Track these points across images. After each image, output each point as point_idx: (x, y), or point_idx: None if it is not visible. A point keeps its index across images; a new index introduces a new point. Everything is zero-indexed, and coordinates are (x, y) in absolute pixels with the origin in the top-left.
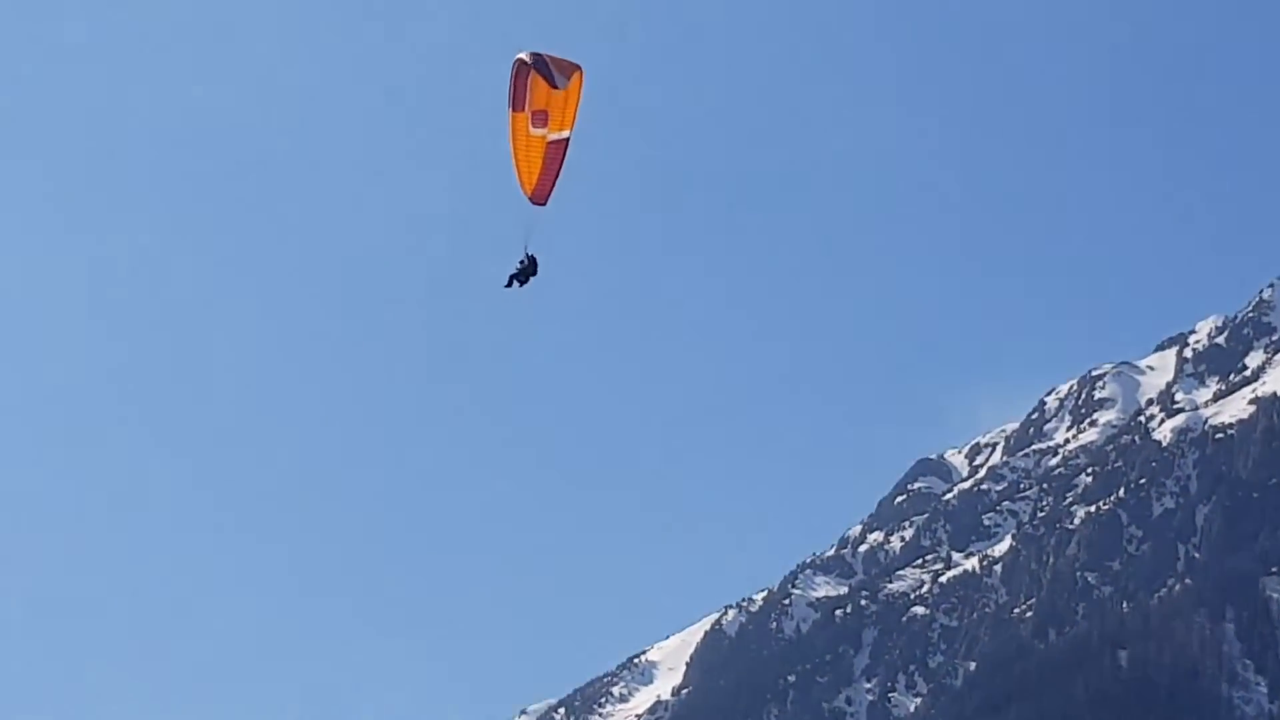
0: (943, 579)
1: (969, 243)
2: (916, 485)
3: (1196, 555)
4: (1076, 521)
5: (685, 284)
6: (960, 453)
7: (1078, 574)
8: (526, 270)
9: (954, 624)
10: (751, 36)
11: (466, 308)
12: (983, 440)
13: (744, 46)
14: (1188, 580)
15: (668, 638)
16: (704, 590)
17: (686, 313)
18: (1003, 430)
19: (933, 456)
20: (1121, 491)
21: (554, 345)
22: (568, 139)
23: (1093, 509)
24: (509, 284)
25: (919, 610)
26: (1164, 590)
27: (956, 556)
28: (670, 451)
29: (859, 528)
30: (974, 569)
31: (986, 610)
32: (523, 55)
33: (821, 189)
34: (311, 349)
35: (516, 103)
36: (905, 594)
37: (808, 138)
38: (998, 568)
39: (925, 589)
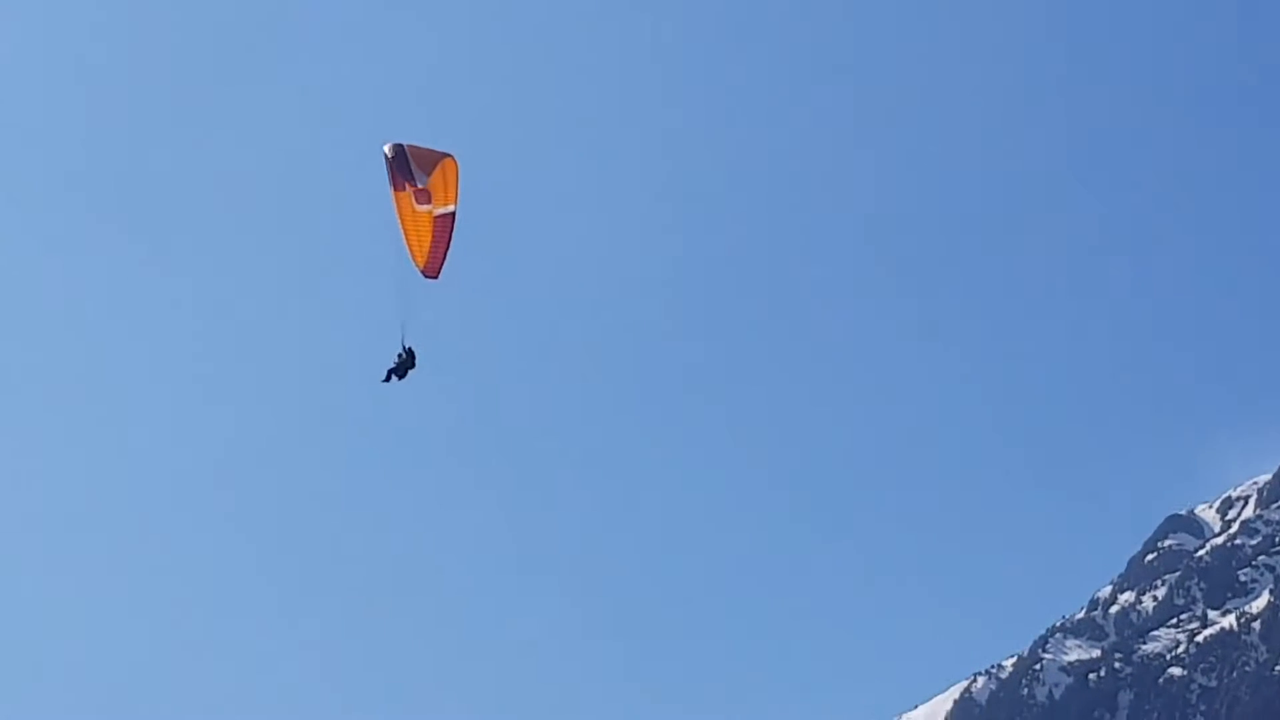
0: (1199, 638)
1: (1213, 294)
2: (1167, 542)
3: None
4: None
5: (929, 343)
6: (1211, 507)
7: None
8: (405, 364)
9: (1213, 684)
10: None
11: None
12: (1234, 494)
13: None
14: None
15: (916, 707)
16: (952, 657)
17: (929, 366)
18: (1254, 483)
19: (1183, 512)
20: None
21: (812, 395)
22: (454, 213)
23: None
24: (387, 379)
25: (1175, 671)
26: None
27: (1212, 614)
28: (915, 514)
29: (1109, 588)
30: (1231, 626)
31: (1247, 669)
32: (386, 150)
33: (1066, 235)
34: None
35: (396, 184)
36: (1161, 655)
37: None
38: (1256, 624)
39: (1181, 649)
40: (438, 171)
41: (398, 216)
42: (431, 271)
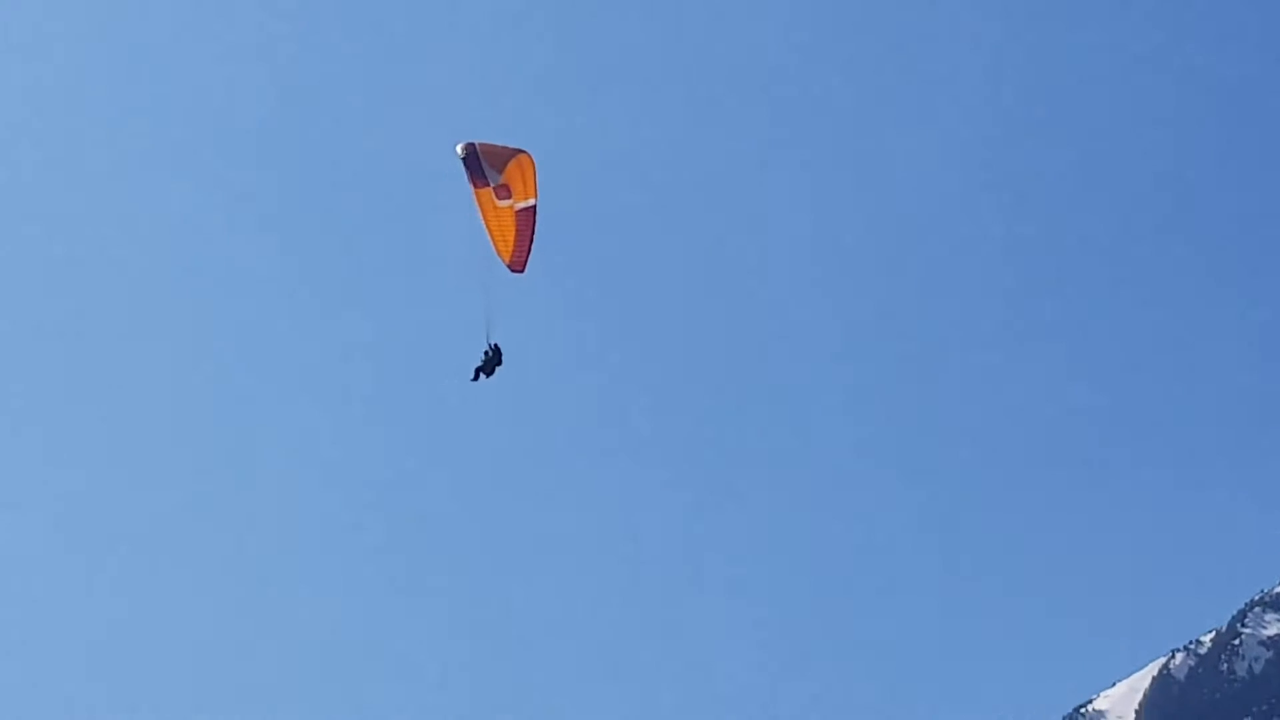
0: None
1: None
2: None
3: None
4: None
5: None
6: None
7: None
8: (491, 361)
9: None
10: None
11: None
12: None
13: None
14: None
15: (1114, 685)
16: (1149, 633)
17: (1135, 339)
18: None
19: None
20: None
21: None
22: (534, 206)
23: None
24: (475, 377)
25: None
26: None
27: None
28: (1112, 489)
29: None
30: None
31: None
32: (459, 149)
33: None
34: None
35: (475, 182)
36: None
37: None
38: None
39: None
40: (514, 167)
41: (480, 214)
42: (517, 265)
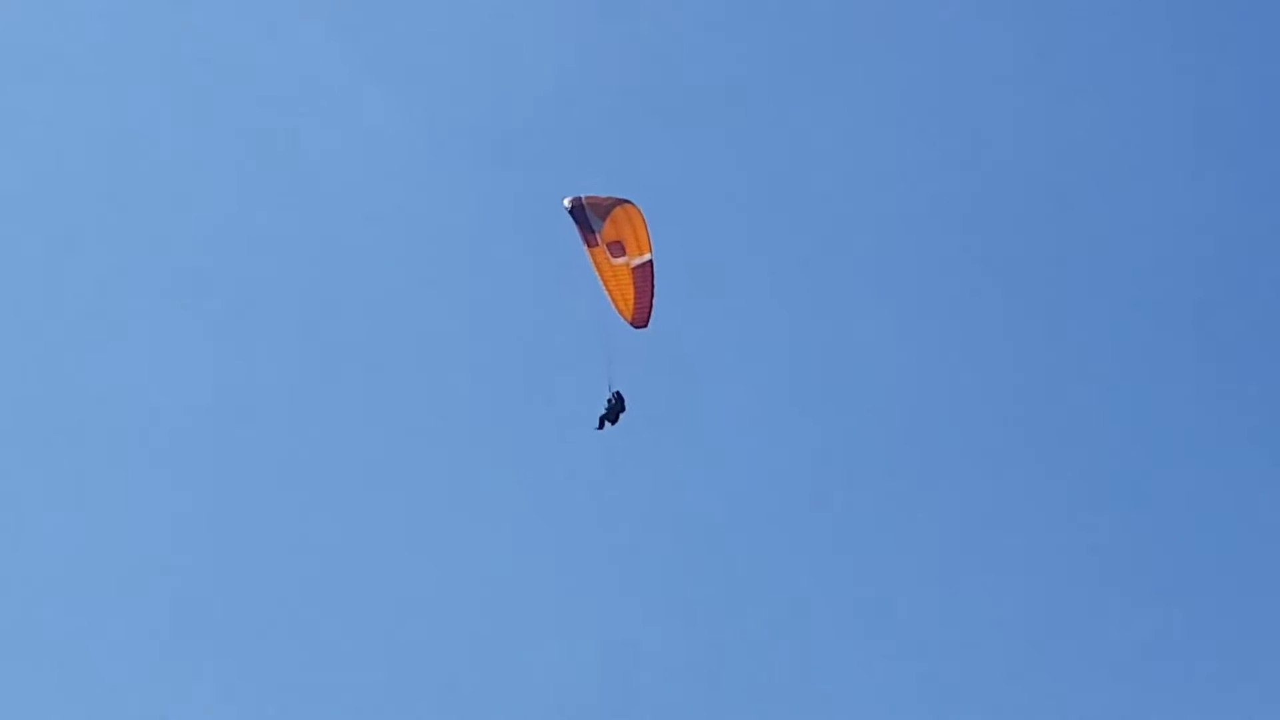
0: None
1: None
2: None
3: None
4: None
5: None
6: None
7: None
8: (615, 408)
9: None
10: None
11: None
12: None
13: None
14: None
15: None
16: None
17: None
18: None
19: None
20: None
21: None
22: (651, 261)
23: None
24: (600, 426)
25: None
26: None
27: None
28: None
29: None
30: None
31: None
32: (566, 204)
33: None
34: None
35: (587, 240)
36: None
37: None
38: None
39: None
40: (624, 221)
41: (594, 268)
42: (640, 323)
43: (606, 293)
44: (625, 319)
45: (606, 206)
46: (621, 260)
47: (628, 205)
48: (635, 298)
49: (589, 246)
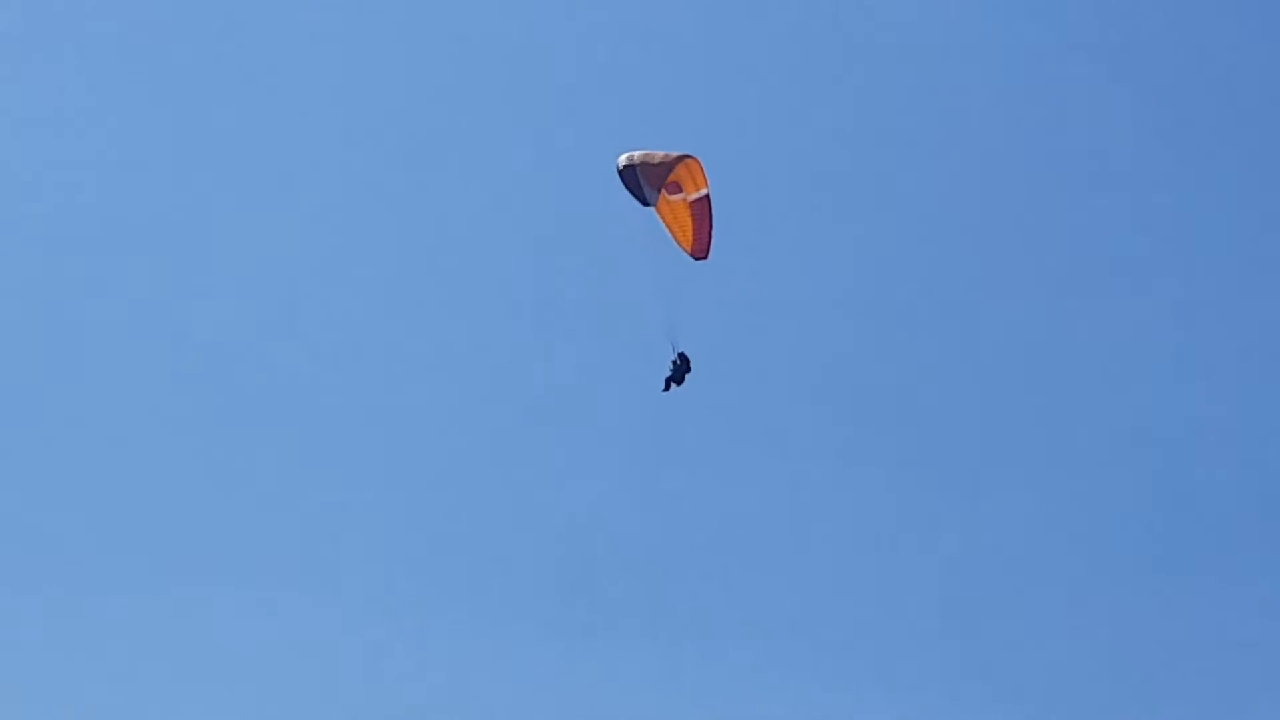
0: None
1: None
2: None
3: None
4: None
5: None
6: None
7: None
8: (681, 370)
9: None
10: None
11: None
12: None
13: None
14: None
15: None
16: None
17: None
18: None
19: None
20: None
21: None
22: (708, 195)
23: None
24: (666, 388)
25: None
26: None
27: None
28: None
29: None
30: None
31: None
32: (620, 161)
33: None
34: None
35: (648, 196)
36: None
37: None
38: None
39: None
40: (682, 169)
41: (658, 217)
42: (700, 252)
43: (668, 231)
44: (685, 250)
45: (663, 159)
46: (678, 197)
47: (686, 158)
48: (694, 228)
49: (652, 200)
